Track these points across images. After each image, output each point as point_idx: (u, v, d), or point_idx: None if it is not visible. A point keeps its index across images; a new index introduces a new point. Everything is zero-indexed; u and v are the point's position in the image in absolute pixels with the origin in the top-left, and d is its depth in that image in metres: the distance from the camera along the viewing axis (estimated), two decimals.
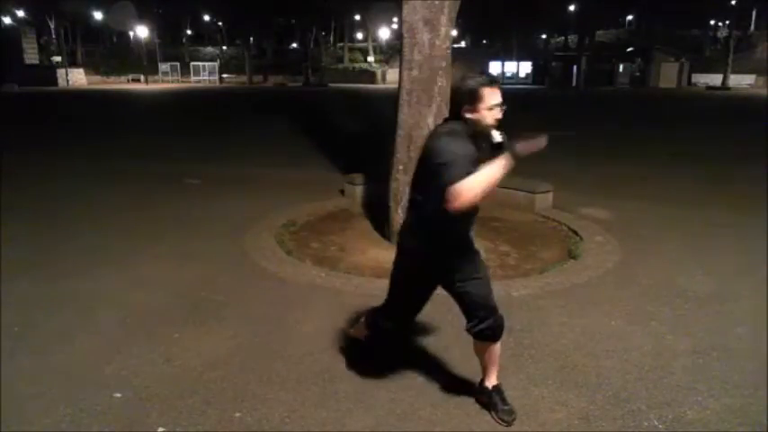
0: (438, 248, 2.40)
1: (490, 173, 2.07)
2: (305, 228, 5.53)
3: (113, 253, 4.78)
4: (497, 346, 2.52)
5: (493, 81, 2.24)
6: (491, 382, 2.61)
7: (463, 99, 2.26)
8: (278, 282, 4.07)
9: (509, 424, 2.49)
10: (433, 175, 2.17)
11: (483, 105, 2.22)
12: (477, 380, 2.66)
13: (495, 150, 2.18)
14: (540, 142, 2.09)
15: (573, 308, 3.68)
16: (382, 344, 2.96)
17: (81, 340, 3.23)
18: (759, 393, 2.72)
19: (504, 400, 2.57)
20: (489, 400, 2.59)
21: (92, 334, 3.31)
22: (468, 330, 2.47)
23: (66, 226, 5.61)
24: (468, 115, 2.25)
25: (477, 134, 2.25)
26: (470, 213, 2.33)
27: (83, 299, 3.84)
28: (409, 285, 2.58)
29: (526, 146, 2.07)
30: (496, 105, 2.23)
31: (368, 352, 2.98)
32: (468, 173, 2.07)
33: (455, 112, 2.32)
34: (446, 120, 2.42)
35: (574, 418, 2.54)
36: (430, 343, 3.19)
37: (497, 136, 2.23)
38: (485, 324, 2.42)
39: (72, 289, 4.00)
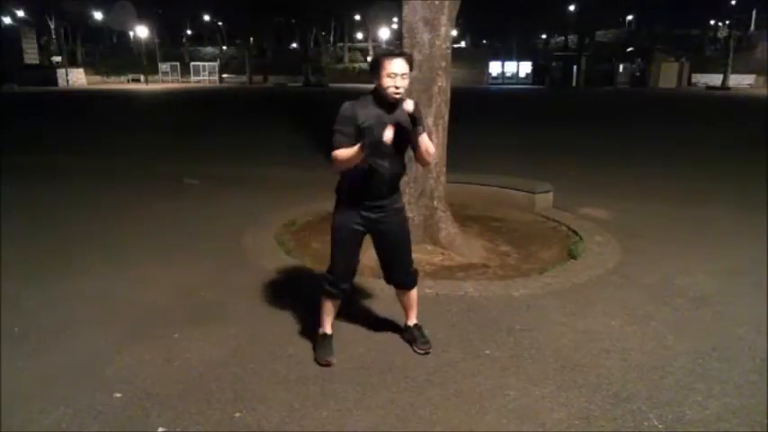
0: None
1: (346, 153, 2.68)
2: (305, 228, 5.53)
3: (113, 253, 4.78)
4: (412, 293, 3.15)
5: (391, 54, 2.70)
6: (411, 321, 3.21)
7: (371, 68, 2.77)
8: (278, 282, 4.07)
9: (426, 352, 3.07)
10: None
11: (384, 73, 2.67)
12: None
13: (410, 117, 2.64)
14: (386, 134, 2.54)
15: (573, 308, 3.68)
16: None
17: (81, 340, 3.23)
18: (759, 393, 2.72)
19: (422, 335, 3.15)
20: (411, 335, 3.17)
21: (92, 334, 3.31)
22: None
23: (65, 226, 5.61)
24: (376, 82, 2.74)
25: (383, 98, 2.72)
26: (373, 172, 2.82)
27: (83, 298, 3.84)
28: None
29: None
30: (392, 74, 2.66)
31: None
32: (355, 135, 2.71)
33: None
34: None
35: (574, 418, 2.54)
36: None
37: (409, 105, 2.62)
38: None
39: (72, 289, 4.00)
